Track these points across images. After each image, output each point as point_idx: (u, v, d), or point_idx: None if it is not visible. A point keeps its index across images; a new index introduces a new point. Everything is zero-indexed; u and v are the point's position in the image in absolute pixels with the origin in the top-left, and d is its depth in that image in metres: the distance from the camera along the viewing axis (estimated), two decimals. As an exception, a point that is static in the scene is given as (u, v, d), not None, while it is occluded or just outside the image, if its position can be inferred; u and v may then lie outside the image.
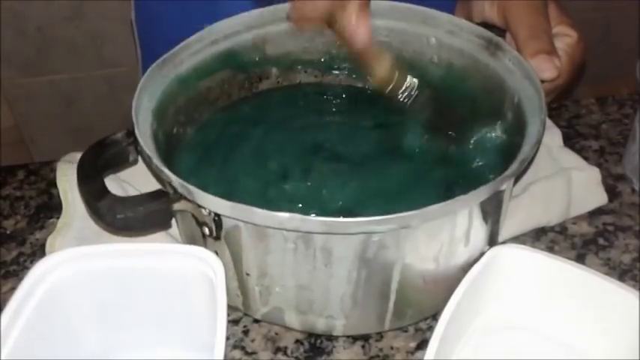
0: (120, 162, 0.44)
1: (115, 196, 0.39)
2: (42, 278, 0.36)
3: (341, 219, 0.35)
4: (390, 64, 0.49)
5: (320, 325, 0.42)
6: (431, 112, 0.51)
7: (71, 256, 0.37)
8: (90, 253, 0.38)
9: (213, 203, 0.37)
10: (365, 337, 0.45)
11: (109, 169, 0.44)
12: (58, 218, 0.50)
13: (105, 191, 0.39)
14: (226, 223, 0.38)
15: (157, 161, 0.39)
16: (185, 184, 0.37)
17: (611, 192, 0.54)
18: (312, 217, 0.35)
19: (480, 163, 0.47)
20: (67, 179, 0.50)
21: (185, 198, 0.38)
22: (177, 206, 0.39)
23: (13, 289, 0.43)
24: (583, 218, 0.53)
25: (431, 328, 0.45)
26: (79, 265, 0.37)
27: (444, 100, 0.51)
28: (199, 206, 0.38)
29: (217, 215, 0.38)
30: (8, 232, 0.53)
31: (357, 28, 0.46)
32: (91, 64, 1.21)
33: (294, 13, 0.49)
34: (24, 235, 0.53)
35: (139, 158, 0.45)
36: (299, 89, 0.55)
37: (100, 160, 0.42)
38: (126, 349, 0.41)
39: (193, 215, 0.39)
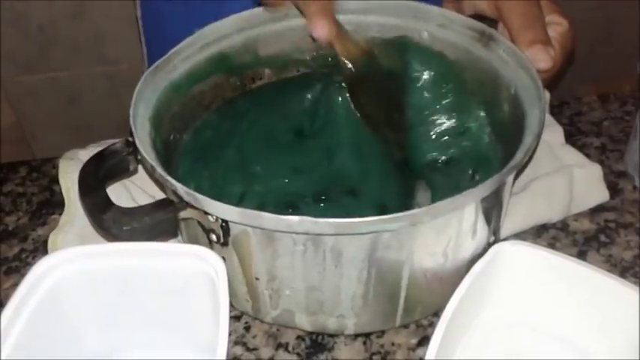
0: (120, 172, 0.44)
1: (119, 207, 0.38)
2: (43, 277, 0.36)
3: (351, 219, 0.34)
4: (353, 44, 0.49)
5: (331, 325, 0.42)
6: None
7: (72, 255, 0.37)
8: (91, 252, 0.38)
9: (220, 210, 0.36)
10: (366, 334, 0.45)
11: (109, 179, 0.43)
12: (60, 215, 0.50)
13: (109, 203, 0.38)
14: (234, 229, 0.38)
15: (160, 170, 0.38)
16: (191, 191, 0.36)
17: (613, 189, 0.54)
18: (323, 219, 0.34)
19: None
20: (69, 176, 0.50)
21: (191, 205, 0.37)
22: (183, 214, 0.38)
23: (15, 285, 0.43)
24: (584, 215, 0.53)
25: (432, 325, 0.45)
26: (80, 264, 0.37)
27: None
28: (206, 213, 0.37)
29: (225, 221, 0.37)
30: (10, 228, 0.53)
31: (317, 26, 0.46)
32: (92, 61, 1.21)
33: None
34: (26, 231, 0.53)
35: (139, 167, 0.45)
36: (290, 82, 0.54)
37: (101, 172, 0.41)
38: (127, 349, 0.41)
39: (199, 222, 0.39)
